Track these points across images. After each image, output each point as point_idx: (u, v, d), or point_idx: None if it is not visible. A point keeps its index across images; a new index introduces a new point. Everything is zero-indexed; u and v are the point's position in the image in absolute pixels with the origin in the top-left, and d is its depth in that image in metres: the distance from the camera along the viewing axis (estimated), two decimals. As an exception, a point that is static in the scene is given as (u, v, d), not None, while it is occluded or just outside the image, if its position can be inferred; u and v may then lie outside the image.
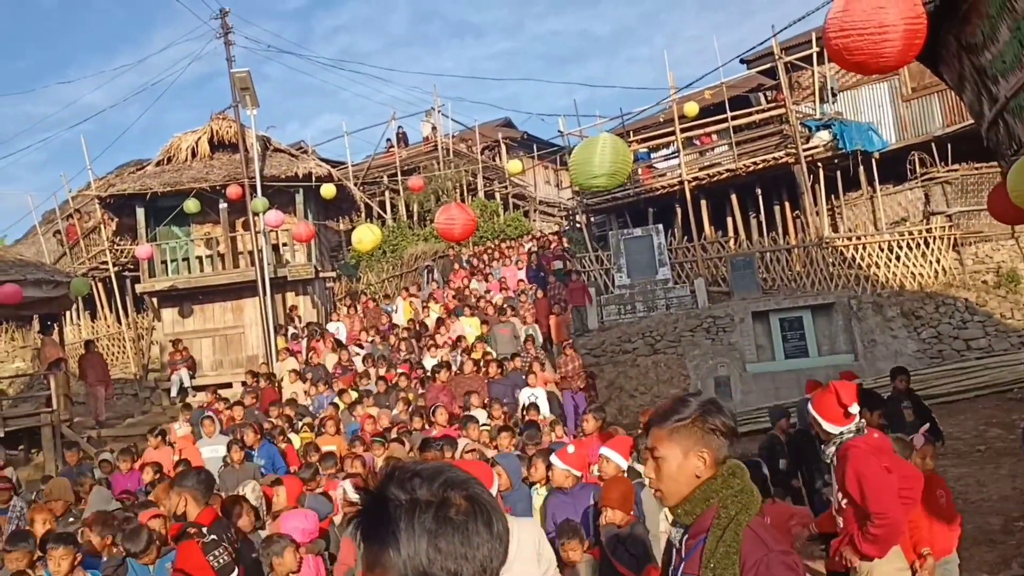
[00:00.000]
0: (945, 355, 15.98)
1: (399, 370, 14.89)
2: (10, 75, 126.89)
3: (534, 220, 33.74)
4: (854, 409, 4.44)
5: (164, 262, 20.87)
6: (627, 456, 6.31)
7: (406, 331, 17.91)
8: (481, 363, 13.63)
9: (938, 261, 18.44)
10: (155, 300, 21.19)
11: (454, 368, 13.97)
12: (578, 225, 27.45)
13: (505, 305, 18.09)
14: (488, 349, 15.14)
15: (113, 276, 24.51)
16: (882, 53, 4.37)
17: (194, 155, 21.68)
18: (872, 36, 4.31)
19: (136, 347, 23.57)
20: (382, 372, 14.84)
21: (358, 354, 16.82)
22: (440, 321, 17.95)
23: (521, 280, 20.82)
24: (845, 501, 4.38)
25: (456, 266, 24.63)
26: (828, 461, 4.60)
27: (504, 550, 1.51)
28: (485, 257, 25.03)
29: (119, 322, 24.99)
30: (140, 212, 20.93)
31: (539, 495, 6.62)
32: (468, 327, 17.15)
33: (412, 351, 16.58)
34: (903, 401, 8.96)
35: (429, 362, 15.32)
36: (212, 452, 10.43)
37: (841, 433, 4.43)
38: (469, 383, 12.72)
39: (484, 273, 23.04)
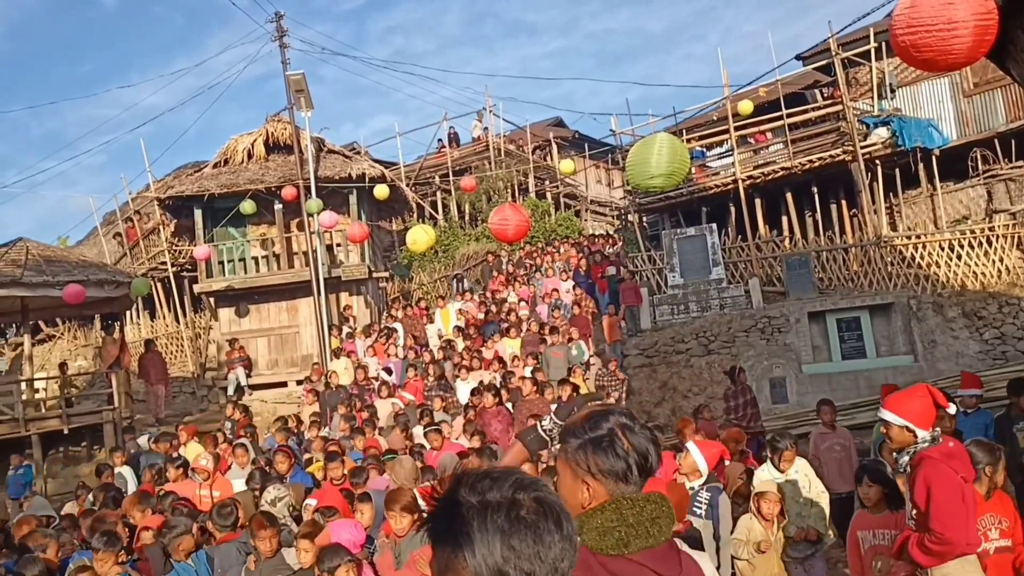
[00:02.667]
0: (1009, 356, 15.55)
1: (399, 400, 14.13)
2: (74, 79, 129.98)
3: (585, 220, 33.64)
4: (951, 410, 4.32)
5: (221, 262, 21.24)
6: (712, 463, 6.16)
7: (440, 349, 17.10)
8: (545, 385, 12.50)
9: (1001, 260, 17.98)
10: (212, 300, 21.58)
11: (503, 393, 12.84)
12: (630, 225, 27.29)
13: (542, 323, 17.32)
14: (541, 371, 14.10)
15: (172, 276, 24.98)
16: (951, 50, 4.25)
17: (250, 157, 22.05)
18: (941, 32, 4.20)
19: (194, 346, 23.99)
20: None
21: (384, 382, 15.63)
22: (468, 336, 17.37)
23: (556, 290, 19.74)
24: (915, 512, 4.27)
25: (495, 272, 23.71)
26: (902, 470, 4.45)
27: (574, 550, 1.52)
28: (528, 263, 24.03)
29: (177, 321, 25.45)
30: (198, 213, 21.34)
31: None
32: (510, 349, 16.19)
33: (442, 376, 15.32)
34: (1018, 422, 7.76)
35: (463, 388, 14.26)
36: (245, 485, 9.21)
37: (917, 443, 4.30)
38: (532, 406, 11.49)
39: (523, 280, 21.99)
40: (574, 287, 20.01)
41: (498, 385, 13.02)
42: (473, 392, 13.09)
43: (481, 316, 19.26)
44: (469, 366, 15.03)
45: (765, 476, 6.59)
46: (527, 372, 13.72)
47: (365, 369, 16.07)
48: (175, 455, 11.09)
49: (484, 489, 1.52)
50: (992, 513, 4.68)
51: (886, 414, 4.39)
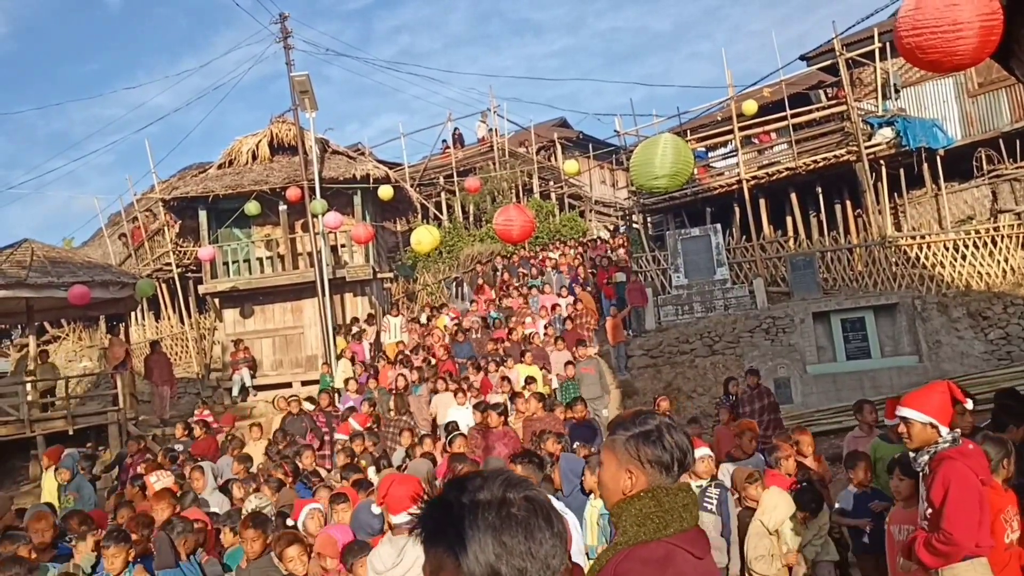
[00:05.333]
0: (1014, 357, 15.53)
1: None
2: (80, 79, 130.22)
3: (590, 220, 33.62)
4: (969, 405, 4.31)
5: (226, 263, 21.26)
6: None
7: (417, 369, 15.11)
8: (549, 401, 11.69)
9: (1006, 260, 17.95)
10: (217, 301, 21.60)
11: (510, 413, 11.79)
12: (635, 225, 27.26)
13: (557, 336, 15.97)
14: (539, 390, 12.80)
15: (176, 277, 25.01)
16: (956, 51, 4.25)
17: (254, 158, 22.08)
18: (946, 34, 4.20)
19: (199, 347, 24.02)
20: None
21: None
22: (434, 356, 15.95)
23: (557, 305, 18.51)
24: (930, 511, 4.26)
25: (481, 281, 22.31)
26: (919, 470, 4.42)
27: (564, 548, 1.54)
28: (521, 272, 22.47)
29: (182, 322, 25.48)
30: (202, 214, 21.37)
31: (593, 506, 6.30)
32: (527, 375, 14.17)
33: (405, 408, 13.28)
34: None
35: (458, 414, 12.45)
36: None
37: (939, 441, 4.28)
38: (541, 425, 10.61)
39: (520, 291, 20.56)
40: (575, 302, 18.91)
41: (505, 405, 11.89)
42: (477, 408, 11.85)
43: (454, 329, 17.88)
44: (459, 388, 13.36)
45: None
46: (535, 390, 12.77)
47: (330, 394, 15.02)
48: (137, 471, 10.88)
49: (474, 489, 1.54)
50: (1012, 505, 4.66)
51: (907, 411, 4.34)
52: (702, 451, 6.33)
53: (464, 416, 12.24)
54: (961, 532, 4.03)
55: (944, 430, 4.27)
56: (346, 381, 15.95)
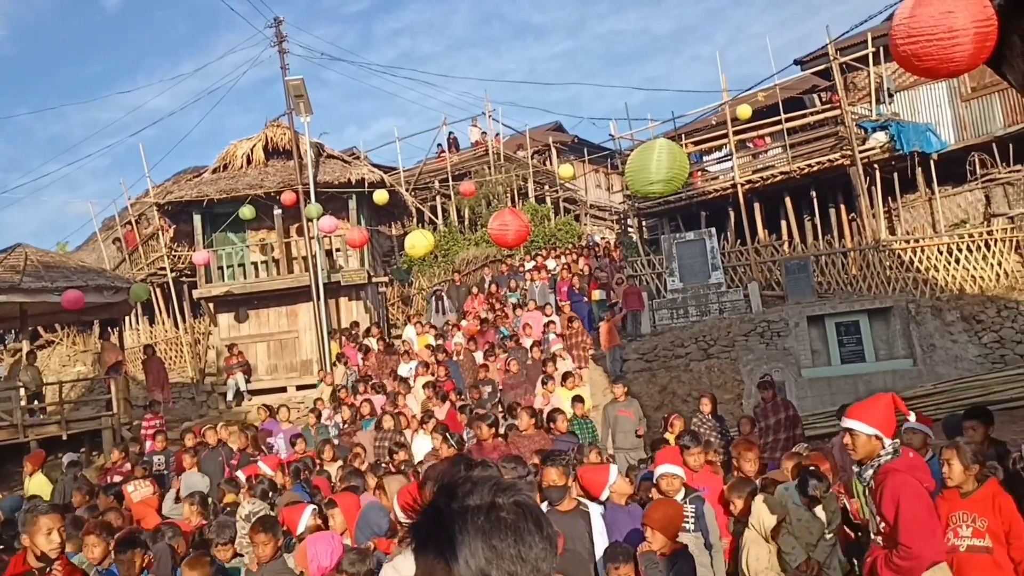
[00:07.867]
0: (1008, 360, 15.57)
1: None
2: (81, 81, 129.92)
3: (585, 224, 33.63)
4: (912, 418, 4.32)
5: (220, 268, 21.24)
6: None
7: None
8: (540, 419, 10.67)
9: (1000, 264, 18.00)
10: (211, 305, 21.57)
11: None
12: (629, 229, 27.27)
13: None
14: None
15: (171, 282, 24.96)
16: (952, 58, 4.28)
17: (249, 162, 22.06)
18: (941, 41, 4.22)
19: (193, 351, 23.97)
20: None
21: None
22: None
23: (553, 322, 17.21)
24: (883, 524, 4.25)
25: (475, 290, 21.41)
26: (865, 484, 4.38)
27: (554, 552, 1.54)
28: (511, 282, 21.28)
29: (177, 327, 25.43)
30: (197, 219, 21.34)
31: None
32: (567, 400, 12.31)
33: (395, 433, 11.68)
34: None
35: (418, 444, 11.40)
36: None
37: (880, 454, 4.27)
38: (530, 442, 9.84)
39: (502, 303, 19.66)
40: (570, 320, 17.26)
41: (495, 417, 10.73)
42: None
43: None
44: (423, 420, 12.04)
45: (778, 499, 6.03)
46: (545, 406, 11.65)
47: (248, 436, 12.77)
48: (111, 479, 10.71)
49: (464, 494, 1.54)
50: (967, 511, 4.65)
51: (853, 423, 4.32)
52: (666, 468, 6.03)
53: (425, 445, 11.04)
54: (920, 544, 4.03)
55: (887, 441, 4.27)
56: (265, 406, 15.50)
